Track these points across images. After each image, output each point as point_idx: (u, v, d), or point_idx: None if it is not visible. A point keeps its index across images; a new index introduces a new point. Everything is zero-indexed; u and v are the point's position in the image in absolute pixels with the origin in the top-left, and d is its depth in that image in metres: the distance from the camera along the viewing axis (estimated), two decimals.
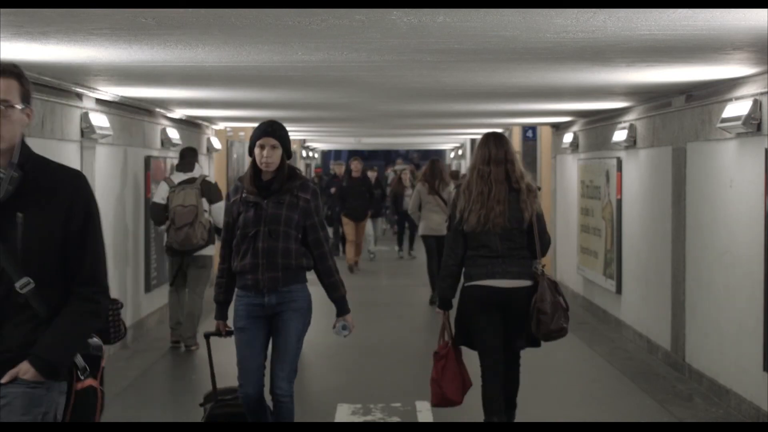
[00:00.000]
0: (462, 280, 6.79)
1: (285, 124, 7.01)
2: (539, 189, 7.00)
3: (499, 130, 7.32)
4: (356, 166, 20.05)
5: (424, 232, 14.68)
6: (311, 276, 6.87)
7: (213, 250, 10.98)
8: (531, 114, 14.30)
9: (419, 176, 15.88)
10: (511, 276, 6.65)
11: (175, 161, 12.02)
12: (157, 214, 10.95)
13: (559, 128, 16.12)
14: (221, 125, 16.95)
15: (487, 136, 6.84)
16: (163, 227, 10.94)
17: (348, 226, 19.64)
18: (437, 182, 14.55)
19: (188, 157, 11.10)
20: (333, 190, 21.64)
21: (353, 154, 43.93)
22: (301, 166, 34.61)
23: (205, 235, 10.73)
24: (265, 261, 6.47)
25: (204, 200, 10.78)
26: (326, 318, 13.83)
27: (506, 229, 6.64)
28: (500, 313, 6.69)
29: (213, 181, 11.19)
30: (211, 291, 8.65)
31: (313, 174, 34.49)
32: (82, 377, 3.93)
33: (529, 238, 6.70)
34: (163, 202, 10.85)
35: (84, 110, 9.63)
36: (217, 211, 10.60)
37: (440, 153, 43.51)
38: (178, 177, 10.94)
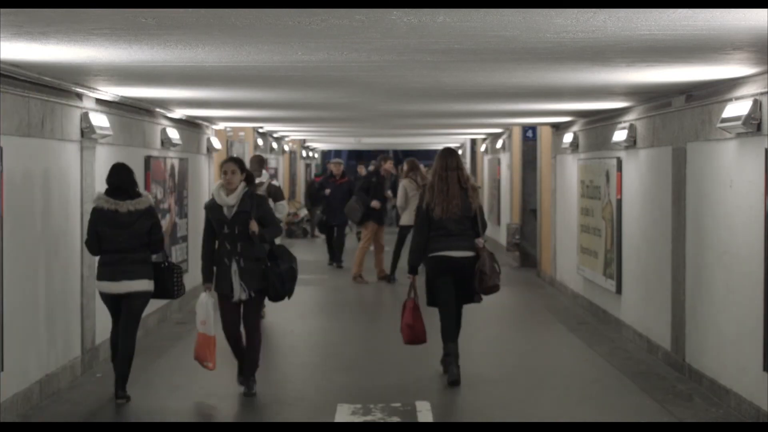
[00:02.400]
0: (426, 252, 9.42)
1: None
2: (480, 187, 9.57)
3: (452, 146, 9.24)
4: (389, 164, 18.18)
5: (410, 223, 15.28)
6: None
7: (278, 241, 12.84)
8: (531, 114, 14.30)
9: (403, 174, 16.54)
10: (460, 249, 9.34)
11: (176, 161, 13.23)
12: None
13: (559, 128, 16.12)
14: (221, 125, 16.95)
15: (443, 150, 9.60)
16: None
17: (367, 229, 17.25)
18: (418, 178, 16.09)
19: (257, 164, 13.45)
20: (328, 191, 19.62)
21: (353, 154, 43.80)
22: (300, 166, 34.55)
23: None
24: None
25: (270, 200, 12.02)
26: (326, 318, 13.87)
27: (459, 216, 9.33)
28: (453, 274, 9.37)
29: (277, 184, 13.38)
30: None
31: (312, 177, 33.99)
32: None
33: (474, 222, 9.40)
34: None
35: (84, 110, 9.64)
36: (280, 208, 12.68)
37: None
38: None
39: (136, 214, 8.59)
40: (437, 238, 9.32)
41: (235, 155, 9.38)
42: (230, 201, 8.74)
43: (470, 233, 9.36)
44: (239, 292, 8.70)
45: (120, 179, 8.67)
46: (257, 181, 12.79)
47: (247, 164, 13.32)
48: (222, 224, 8.74)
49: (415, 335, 9.52)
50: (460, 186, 9.36)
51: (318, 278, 17.43)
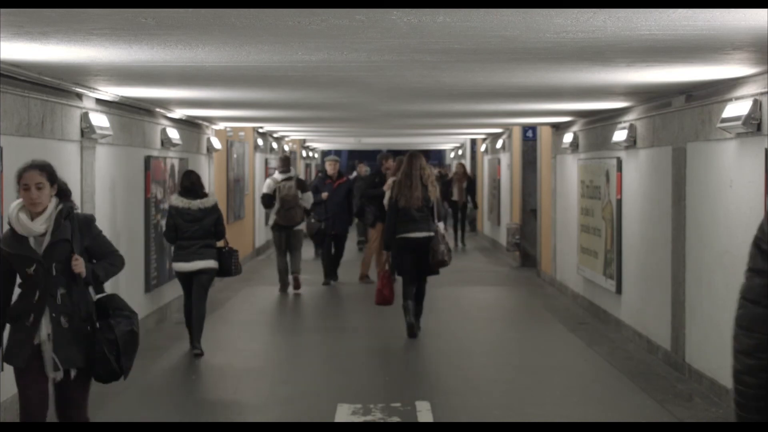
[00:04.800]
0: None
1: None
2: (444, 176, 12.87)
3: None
4: (389, 163, 16.50)
5: None
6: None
7: (303, 226, 15.95)
8: (531, 114, 14.30)
9: (390, 172, 15.95)
10: (420, 230, 11.72)
11: (176, 161, 13.42)
12: (265, 200, 15.82)
13: (559, 128, 16.12)
14: (221, 125, 16.95)
15: (410, 154, 11.98)
16: (269, 210, 15.87)
17: (376, 230, 16.51)
18: None
19: (286, 162, 15.91)
20: (325, 195, 16.96)
21: (354, 154, 43.71)
22: (300, 165, 34.58)
23: (301, 215, 15.59)
24: None
25: (298, 191, 15.48)
26: (326, 318, 13.86)
27: (420, 206, 11.71)
28: (414, 252, 11.73)
29: (303, 178, 16.09)
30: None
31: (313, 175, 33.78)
32: None
33: (431, 211, 11.77)
34: (270, 192, 15.60)
35: (84, 110, 9.64)
36: (306, 198, 15.61)
37: (440, 153, 43.56)
38: (280, 176, 15.63)
39: (205, 211, 10.72)
40: (402, 223, 11.76)
41: (39, 160, 6.24)
42: (38, 228, 5.88)
43: (428, 219, 11.75)
44: (51, 369, 5.86)
45: (191, 182, 10.82)
46: (287, 176, 15.51)
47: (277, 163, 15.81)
48: (28, 263, 5.85)
49: (384, 298, 11.97)
50: (421, 182, 11.78)
51: (316, 278, 17.41)
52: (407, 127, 20.32)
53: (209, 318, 12.80)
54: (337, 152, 43.22)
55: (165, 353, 10.93)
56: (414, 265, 11.78)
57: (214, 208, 10.83)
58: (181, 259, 10.75)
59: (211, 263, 10.72)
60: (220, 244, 10.93)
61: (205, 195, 10.85)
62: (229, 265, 10.92)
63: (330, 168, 17.48)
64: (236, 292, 15.80)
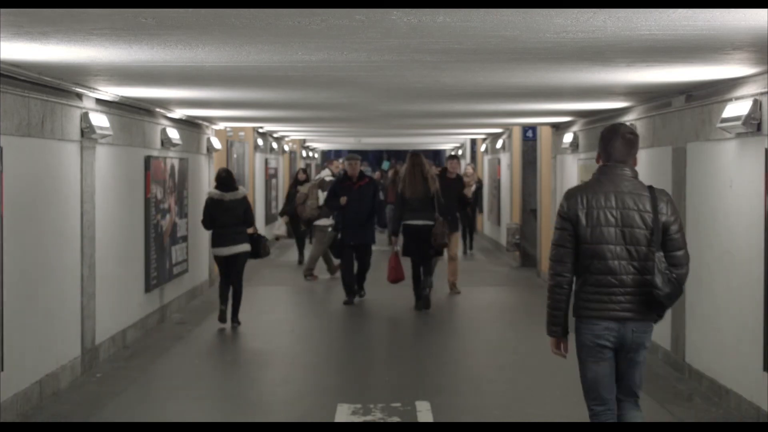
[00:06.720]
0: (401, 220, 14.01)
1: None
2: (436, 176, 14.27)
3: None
4: (453, 165, 15.28)
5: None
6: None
7: (325, 222, 16.99)
8: (531, 114, 14.31)
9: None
10: (423, 218, 13.73)
11: (176, 161, 13.56)
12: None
13: (559, 128, 16.12)
14: (221, 125, 16.95)
15: (412, 154, 14.19)
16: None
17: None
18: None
19: (318, 167, 19.89)
20: (343, 200, 14.39)
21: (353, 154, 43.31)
22: (300, 165, 34.58)
23: (315, 213, 16.96)
24: None
25: (319, 190, 17.02)
26: (326, 319, 13.87)
27: (422, 197, 13.75)
28: (419, 237, 13.75)
29: (327, 179, 17.46)
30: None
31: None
32: None
33: (432, 202, 13.75)
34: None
35: (84, 110, 9.63)
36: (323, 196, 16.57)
37: (440, 153, 43.58)
38: (312, 179, 19.04)
39: (236, 202, 12.37)
40: (407, 212, 13.78)
41: None
42: None
43: (430, 208, 13.71)
44: None
45: (224, 178, 12.47)
46: (317, 178, 18.21)
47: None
48: None
49: (395, 275, 13.97)
50: (423, 177, 13.80)
51: (317, 279, 17.42)
52: (407, 127, 20.33)
53: (210, 318, 12.84)
54: (338, 152, 42.15)
55: (165, 353, 10.93)
56: (418, 248, 13.77)
57: (244, 199, 12.49)
58: (218, 245, 12.44)
59: (244, 247, 12.41)
60: (250, 231, 12.55)
61: (236, 188, 12.51)
62: (258, 248, 12.53)
63: (350, 169, 14.61)
64: None
